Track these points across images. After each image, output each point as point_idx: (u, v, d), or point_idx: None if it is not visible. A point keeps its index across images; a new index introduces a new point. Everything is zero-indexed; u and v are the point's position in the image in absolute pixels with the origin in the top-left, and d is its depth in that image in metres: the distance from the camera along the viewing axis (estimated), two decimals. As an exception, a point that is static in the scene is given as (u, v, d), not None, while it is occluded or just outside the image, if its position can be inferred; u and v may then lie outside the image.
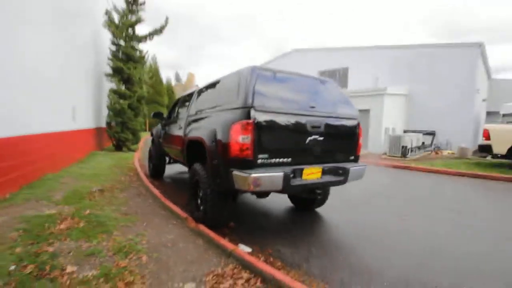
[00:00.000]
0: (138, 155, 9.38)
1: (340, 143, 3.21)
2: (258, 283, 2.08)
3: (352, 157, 3.35)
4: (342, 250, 2.88)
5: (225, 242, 2.67)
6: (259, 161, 2.58)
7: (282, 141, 2.74)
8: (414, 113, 15.57)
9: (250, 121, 2.49)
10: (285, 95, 2.89)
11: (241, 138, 2.49)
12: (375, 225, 3.64)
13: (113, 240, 2.70)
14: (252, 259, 2.33)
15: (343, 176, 3.05)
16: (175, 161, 6.06)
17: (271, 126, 2.63)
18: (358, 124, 3.35)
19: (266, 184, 2.50)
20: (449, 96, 14.62)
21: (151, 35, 9.83)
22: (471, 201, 5.19)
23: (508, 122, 9.01)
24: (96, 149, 9.42)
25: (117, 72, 9.32)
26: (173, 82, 40.44)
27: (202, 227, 3.04)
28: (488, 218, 4.06)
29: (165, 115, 5.97)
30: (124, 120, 9.54)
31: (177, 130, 4.47)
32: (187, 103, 4.55)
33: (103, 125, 10.04)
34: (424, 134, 14.20)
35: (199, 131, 3.21)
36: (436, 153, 12.96)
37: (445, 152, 13.13)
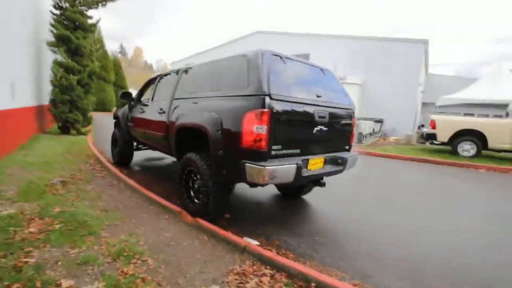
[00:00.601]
0: (91, 139, 8.34)
1: (339, 133, 3.26)
2: (284, 279, 2.03)
3: (347, 147, 3.45)
4: (342, 236, 3.00)
5: (234, 237, 2.54)
6: (273, 152, 2.46)
7: (294, 131, 2.66)
8: (366, 101, 16.86)
9: (266, 110, 2.33)
10: (294, 83, 2.77)
11: (255, 128, 2.33)
12: (361, 209, 3.88)
13: (105, 243, 2.35)
14: (270, 254, 2.27)
15: (342, 166, 3.12)
16: (147, 148, 5.55)
17: (285, 115, 2.51)
18: (353, 114, 3.44)
19: (281, 176, 2.41)
20: (396, 87, 16.13)
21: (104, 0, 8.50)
22: (431, 183, 5.91)
23: (451, 114, 10.34)
24: (38, 132, 8.06)
25: (62, 41, 7.91)
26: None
27: (201, 221, 2.84)
28: (434, 196, 4.68)
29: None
30: (72, 98, 8.27)
31: (156, 114, 4.02)
32: (168, 84, 4.09)
33: (45, 102, 8.58)
34: (374, 121, 15.55)
35: (196, 118, 2.91)
36: (384, 139, 14.36)
37: (391, 139, 14.63)
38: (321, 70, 3.27)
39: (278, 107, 2.43)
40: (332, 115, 3.02)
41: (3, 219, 2.56)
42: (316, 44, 18.37)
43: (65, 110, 8.27)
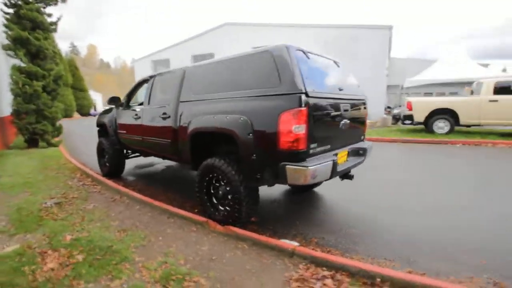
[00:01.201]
0: (65, 150, 7.60)
1: (357, 124, 3.28)
2: (346, 278, 2.01)
3: (362, 137, 3.49)
4: (369, 224, 3.04)
5: (277, 241, 2.45)
6: (310, 151, 2.40)
7: (325, 127, 2.61)
8: (340, 88, 17.39)
9: (304, 108, 2.24)
10: (319, 78, 2.71)
11: (294, 128, 2.23)
12: (373, 196, 3.99)
13: (145, 268, 2.13)
14: (322, 254, 2.23)
15: (363, 156, 3.16)
16: (139, 155, 5.19)
17: (319, 112, 2.44)
18: (366, 104, 3.48)
19: (321, 174, 2.36)
20: (365, 72, 16.80)
21: (62, -5, 7.62)
22: (427, 162, 6.28)
23: (425, 94, 11.02)
24: (0, 147, 7.15)
25: (20, 44, 6.98)
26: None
27: (234, 229, 2.71)
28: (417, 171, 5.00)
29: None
30: (39, 107, 7.42)
31: (157, 120, 3.73)
32: (167, 86, 3.80)
33: (6, 113, 7.60)
34: (350, 106, 16.15)
35: (218, 121, 2.73)
36: (361, 123, 14.98)
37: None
38: (335, 62, 3.24)
39: (313, 104, 2.35)
40: (352, 107, 3.02)
41: (12, 258, 2.21)
42: (287, 34, 18.40)
43: (31, 121, 7.41)
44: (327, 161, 2.41)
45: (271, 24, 19.52)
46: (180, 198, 4.03)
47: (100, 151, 5.32)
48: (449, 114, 8.76)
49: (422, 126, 9.67)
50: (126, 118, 4.61)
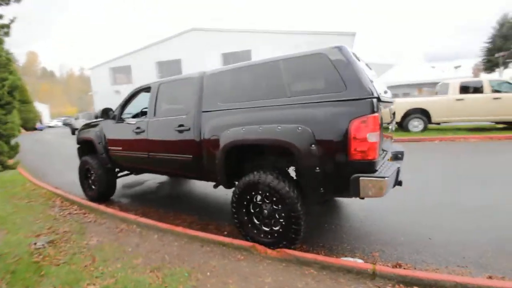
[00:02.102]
0: (26, 173, 6.46)
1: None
2: (446, 297, 1.84)
3: (393, 139, 3.44)
4: (415, 229, 2.94)
5: (351, 263, 2.21)
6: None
7: (382, 133, 2.46)
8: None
9: (377, 114, 2.05)
10: (372, 81, 2.56)
11: (368, 136, 2.04)
12: (397, 196, 3.97)
13: (217, 318, 1.72)
14: (409, 272, 2.04)
15: (402, 159, 3.09)
16: (134, 173, 4.56)
17: (381, 117, 2.28)
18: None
19: (391, 184, 2.20)
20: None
21: (17, -8, 6.52)
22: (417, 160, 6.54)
23: (404, 95, 11.73)
24: None
25: (-37, 48, 5.76)
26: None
27: (291, 252, 2.40)
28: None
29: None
30: (-10, 124, 6.18)
31: (171, 133, 3.25)
32: (180, 94, 3.35)
33: None
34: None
35: (267, 132, 2.40)
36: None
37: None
38: (366, 64, 3.14)
39: (380, 108, 2.18)
40: (391, 110, 2.94)
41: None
42: (258, 40, 18.47)
43: (-20, 141, 6.13)
44: (393, 170, 2.26)
45: (241, 29, 19.44)
46: (199, 219, 3.57)
47: (84, 172, 4.56)
48: (422, 113, 9.43)
49: (396, 126, 10.27)
50: (121, 132, 3.99)
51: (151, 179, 5.86)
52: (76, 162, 4.83)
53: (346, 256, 2.49)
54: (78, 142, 4.74)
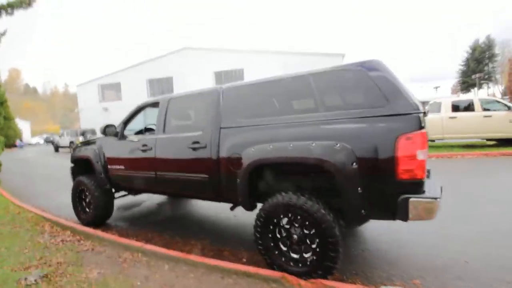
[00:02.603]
0: (7, 195, 5.91)
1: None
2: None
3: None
4: (447, 252, 2.77)
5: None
6: (422, 178, 2.06)
7: None
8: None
9: (425, 130, 1.93)
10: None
11: (418, 153, 1.89)
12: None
13: None
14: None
15: (429, 177, 2.97)
16: (132, 193, 4.24)
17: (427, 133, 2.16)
18: None
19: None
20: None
21: (10, 6, 6.31)
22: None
23: None
24: None
25: None
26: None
27: (328, 283, 2.15)
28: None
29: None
30: (-29, 142, 5.70)
31: (184, 150, 3.01)
32: (194, 109, 3.16)
33: None
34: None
35: (300, 150, 2.22)
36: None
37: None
38: None
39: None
40: None
41: None
42: (250, 59, 18.76)
43: (-42, 160, 5.60)
44: (438, 189, 2.11)
45: (233, 49, 19.74)
46: (210, 244, 3.26)
47: (78, 194, 4.17)
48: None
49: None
50: (124, 150, 3.70)
51: (148, 200, 5.48)
52: (63, 182, 4.44)
53: (386, 285, 2.26)
54: (73, 161, 4.37)
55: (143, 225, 4.07)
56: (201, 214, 4.50)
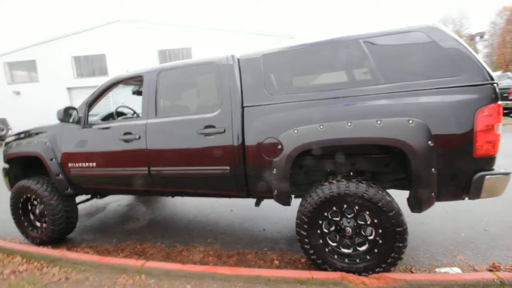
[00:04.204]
0: None
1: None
2: None
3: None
4: (471, 226, 2.83)
5: (476, 276, 1.88)
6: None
7: None
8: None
9: (500, 102, 1.79)
10: None
11: (496, 128, 1.76)
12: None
13: None
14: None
15: None
16: (100, 195, 3.40)
17: None
18: None
19: None
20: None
21: None
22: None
23: None
24: None
25: None
26: None
27: (395, 276, 1.94)
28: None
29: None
30: None
31: (190, 138, 2.38)
32: (199, 86, 2.49)
33: None
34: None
35: (364, 129, 1.87)
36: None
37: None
38: None
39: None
40: None
41: None
42: (198, 37, 17.27)
43: None
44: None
45: (179, 25, 17.84)
46: (223, 248, 2.78)
47: (22, 204, 3.09)
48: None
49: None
50: (93, 141, 2.80)
51: (112, 202, 4.52)
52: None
53: (439, 267, 2.18)
54: (8, 160, 3.18)
55: (124, 235, 3.27)
56: (190, 213, 3.86)
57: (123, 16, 18.09)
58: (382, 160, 2.24)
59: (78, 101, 17.58)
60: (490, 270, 2.10)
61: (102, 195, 3.51)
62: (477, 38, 20.95)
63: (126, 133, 2.63)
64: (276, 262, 2.45)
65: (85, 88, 17.88)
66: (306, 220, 2.08)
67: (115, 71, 17.61)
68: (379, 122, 1.86)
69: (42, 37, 19.24)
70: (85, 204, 4.05)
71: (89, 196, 3.44)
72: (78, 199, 3.30)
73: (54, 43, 17.96)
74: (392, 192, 2.17)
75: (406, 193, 2.18)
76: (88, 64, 18.71)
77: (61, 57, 17.98)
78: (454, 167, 1.83)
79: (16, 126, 14.81)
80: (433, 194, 1.87)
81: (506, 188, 1.84)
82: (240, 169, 2.27)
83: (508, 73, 13.43)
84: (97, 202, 4.42)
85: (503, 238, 2.54)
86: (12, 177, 3.25)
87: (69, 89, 18.48)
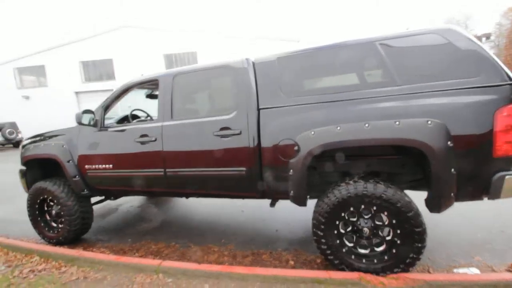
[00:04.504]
0: None
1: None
2: None
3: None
4: (485, 225, 2.86)
5: (497, 277, 1.87)
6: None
7: None
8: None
9: (517, 103, 1.79)
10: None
11: (515, 128, 1.76)
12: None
13: None
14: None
15: None
16: (114, 197, 3.45)
17: None
18: None
19: None
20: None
21: None
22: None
23: None
24: None
25: None
26: None
27: (414, 277, 1.94)
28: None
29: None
30: None
31: (206, 139, 2.42)
32: (214, 89, 2.54)
33: None
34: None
35: (382, 130, 1.88)
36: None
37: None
38: None
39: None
40: None
41: None
42: (203, 41, 17.45)
43: None
44: None
45: (185, 30, 18.06)
46: (237, 248, 2.81)
47: (38, 205, 3.15)
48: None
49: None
50: (110, 144, 2.86)
51: (124, 203, 4.57)
52: None
53: (457, 268, 2.18)
54: (25, 163, 3.25)
55: (138, 236, 3.31)
56: (201, 214, 3.90)
57: (130, 22, 18.37)
58: (398, 161, 2.25)
59: (86, 105, 17.90)
60: (509, 271, 2.09)
61: (116, 197, 3.56)
62: (483, 39, 20.82)
63: (142, 135, 2.68)
64: (291, 262, 2.46)
65: (92, 92, 18.17)
66: (323, 220, 2.09)
67: (122, 76, 17.89)
68: (397, 123, 1.87)
69: (50, 42, 19.62)
70: (98, 205, 4.12)
71: (103, 197, 3.50)
72: (93, 200, 3.36)
73: (62, 49, 18.30)
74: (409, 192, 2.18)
75: (419, 194, 2.20)
76: (96, 69, 19.00)
77: (69, 62, 18.30)
78: (473, 167, 1.83)
79: (25, 130, 15.06)
80: (452, 194, 1.87)
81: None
82: (256, 170, 2.30)
83: (516, 75, 13.26)
84: (109, 203, 4.47)
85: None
86: (28, 179, 3.32)
87: (77, 93, 18.77)
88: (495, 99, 1.77)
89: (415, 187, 2.33)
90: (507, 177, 1.77)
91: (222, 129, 2.37)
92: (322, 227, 2.10)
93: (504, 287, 1.82)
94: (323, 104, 2.11)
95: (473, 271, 2.10)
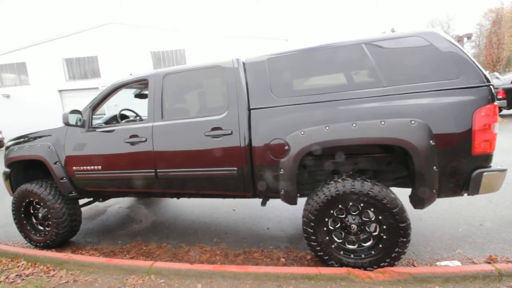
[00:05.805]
0: None
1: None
2: None
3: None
4: (465, 221, 3.00)
5: (476, 268, 1.98)
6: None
7: None
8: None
9: (496, 103, 1.90)
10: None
11: (494, 127, 1.86)
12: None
13: None
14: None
15: None
16: (102, 199, 3.42)
17: None
18: None
19: None
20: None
21: None
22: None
23: None
24: None
25: None
26: None
27: (400, 270, 2.03)
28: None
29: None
30: None
31: (197, 140, 2.43)
32: (205, 89, 2.54)
33: None
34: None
35: (369, 129, 1.95)
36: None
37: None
38: None
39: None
40: None
41: None
42: (191, 39, 17.27)
43: None
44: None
45: (173, 28, 17.81)
46: (229, 247, 2.84)
47: (24, 208, 3.08)
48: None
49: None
50: (98, 144, 2.82)
51: (113, 204, 4.51)
52: None
53: (439, 261, 2.28)
54: (9, 164, 3.15)
55: (128, 237, 3.28)
56: (192, 214, 3.90)
57: (116, 18, 17.94)
58: (384, 159, 2.33)
59: (70, 103, 17.43)
60: (488, 262, 2.20)
61: (105, 198, 3.52)
62: (465, 39, 21.57)
63: (132, 136, 2.66)
64: (283, 259, 2.51)
65: (77, 91, 17.66)
66: (313, 218, 2.15)
67: (107, 73, 17.48)
68: (383, 123, 1.94)
69: (32, 39, 18.95)
70: (86, 207, 4.05)
71: (91, 199, 3.44)
72: (81, 202, 3.30)
73: (45, 45, 17.68)
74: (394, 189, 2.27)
75: (404, 190, 2.30)
76: (80, 66, 18.49)
77: (52, 59, 17.72)
78: (454, 164, 1.93)
79: (6, 130, 14.51)
80: (434, 191, 1.97)
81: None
82: (247, 169, 2.33)
83: (496, 73, 13.85)
84: (97, 205, 4.40)
85: (498, 232, 2.66)
86: (13, 181, 3.23)
87: (60, 91, 18.20)
88: (474, 99, 1.86)
89: (400, 184, 2.42)
90: (485, 173, 1.88)
91: (213, 129, 2.38)
92: (312, 224, 2.16)
93: (483, 278, 1.93)
94: (312, 105, 2.16)
95: (454, 264, 2.22)
